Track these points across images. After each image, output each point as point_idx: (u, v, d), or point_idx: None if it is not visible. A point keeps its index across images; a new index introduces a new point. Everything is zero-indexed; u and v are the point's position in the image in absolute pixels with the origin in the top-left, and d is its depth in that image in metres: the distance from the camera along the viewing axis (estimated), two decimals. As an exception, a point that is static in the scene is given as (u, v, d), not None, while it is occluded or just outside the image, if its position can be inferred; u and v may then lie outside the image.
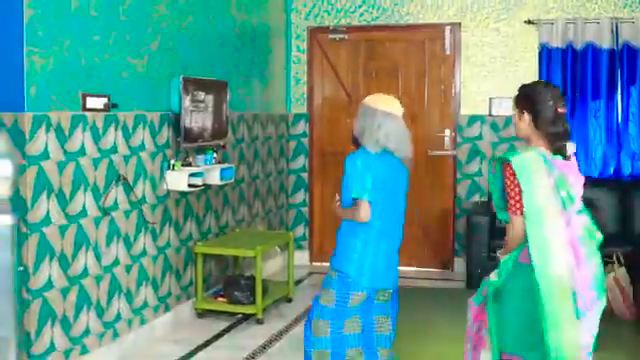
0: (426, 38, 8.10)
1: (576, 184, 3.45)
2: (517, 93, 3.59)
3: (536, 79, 7.44)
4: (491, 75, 7.89)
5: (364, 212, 3.91)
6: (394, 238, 4.12)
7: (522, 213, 3.33)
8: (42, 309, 4.37)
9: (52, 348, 4.48)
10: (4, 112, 4.21)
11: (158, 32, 5.52)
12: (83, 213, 4.70)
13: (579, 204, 3.44)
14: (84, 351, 4.79)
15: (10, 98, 4.21)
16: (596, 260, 3.41)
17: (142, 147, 5.33)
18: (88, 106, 4.71)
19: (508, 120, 7.77)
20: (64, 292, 4.57)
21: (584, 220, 3.44)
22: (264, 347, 5.48)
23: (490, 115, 7.90)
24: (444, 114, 8.08)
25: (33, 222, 4.24)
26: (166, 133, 5.62)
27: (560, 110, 3.47)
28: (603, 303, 3.42)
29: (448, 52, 8.02)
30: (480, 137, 7.94)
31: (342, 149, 8.25)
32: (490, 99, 7.87)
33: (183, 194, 5.89)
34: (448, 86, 8.05)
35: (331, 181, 8.27)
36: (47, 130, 4.36)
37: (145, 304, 5.44)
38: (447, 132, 8.05)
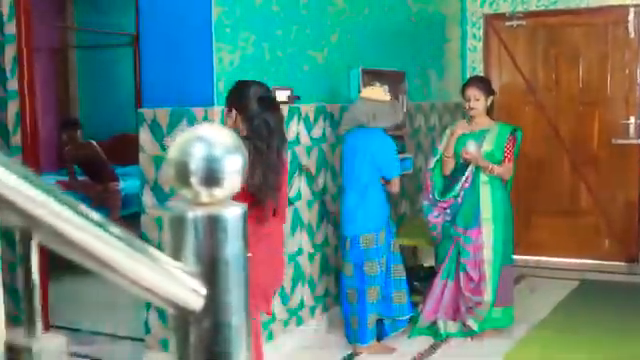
0: (608, 21, 7.76)
1: None
2: (484, 83, 5.52)
3: None
4: (681, 58, 7.47)
5: None
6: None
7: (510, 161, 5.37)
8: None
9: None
10: (195, 107, 4.40)
11: (337, 25, 5.60)
12: (268, 203, 4.84)
13: None
14: (270, 337, 4.94)
15: (201, 93, 4.40)
16: None
17: (323, 138, 5.43)
18: (273, 99, 4.85)
19: (700, 105, 7.35)
20: (251, 279, 4.72)
21: None
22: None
23: (680, 100, 7.48)
24: (629, 101, 7.72)
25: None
26: (345, 124, 5.70)
27: None
28: None
29: (632, 35, 7.66)
30: (669, 124, 7.55)
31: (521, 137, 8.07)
32: (680, 83, 7.46)
33: (362, 184, 5.95)
34: (633, 71, 7.68)
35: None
36: (235, 123, 4.52)
37: (327, 293, 5.54)
38: (632, 119, 7.69)
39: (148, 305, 4.61)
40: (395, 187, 5.10)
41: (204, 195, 1.05)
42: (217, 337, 1.07)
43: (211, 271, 1.06)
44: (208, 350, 1.07)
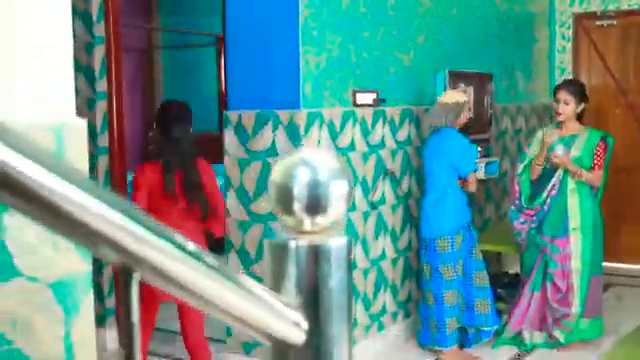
0: None
1: None
2: (576, 87, 5.28)
3: None
4: None
5: None
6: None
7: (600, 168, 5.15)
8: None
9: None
10: (281, 110, 4.37)
11: (424, 26, 5.50)
12: (352, 207, 4.79)
13: None
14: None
15: (287, 96, 4.36)
16: None
17: (408, 141, 5.34)
18: (358, 102, 4.79)
19: None
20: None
21: None
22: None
23: None
24: None
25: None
26: (431, 127, 5.60)
27: None
28: None
29: None
30: None
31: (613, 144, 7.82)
32: None
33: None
34: None
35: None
36: (320, 126, 4.47)
37: (409, 298, 5.46)
38: None
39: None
40: (472, 185, 4.99)
41: (307, 223, 1.00)
42: (318, 370, 1.01)
43: (313, 303, 1.01)
44: (308, 383, 1.01)
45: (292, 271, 1.00)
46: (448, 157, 4.91)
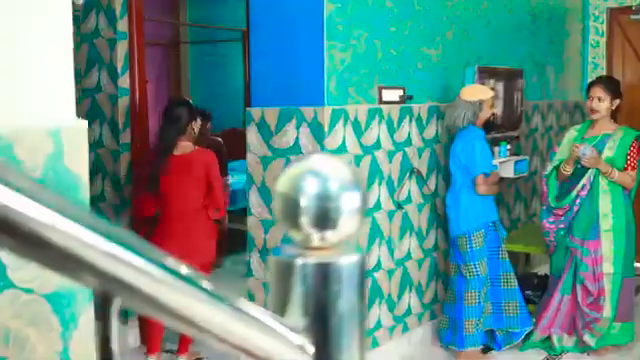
0: None
1: None
2: (611, 83, 5.14)
3: None
4: None
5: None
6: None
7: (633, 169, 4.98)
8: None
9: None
10: (305, 106, 4.28)
11: (452, 20, 5.37)
12: (377, 206, 4.68)
13: None
14: (374, 344, 4.78)
15: (311, 92, 4.27)
16: None
17: (436, 139, 5.22)
18: (384, 99, 4.68)
19: None
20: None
21: None
22: None
23: None
24: None
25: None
26: (459, 124, 5.47)
27: None
28: None
29: None
30: None
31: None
32: None
33: (475, 187, 5.71)
34: None
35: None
36: (345, 124, 4.37)
37: (435, 299, 5.35)
38: None
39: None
40: (479, 187, 4.82)
41: (315, 238, 0.90)
42: (326, 402, 0.92)
43: (321, 326, 0.91)
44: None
45: (298, 291, 0.91)
46: (459, 157, 4.84)
